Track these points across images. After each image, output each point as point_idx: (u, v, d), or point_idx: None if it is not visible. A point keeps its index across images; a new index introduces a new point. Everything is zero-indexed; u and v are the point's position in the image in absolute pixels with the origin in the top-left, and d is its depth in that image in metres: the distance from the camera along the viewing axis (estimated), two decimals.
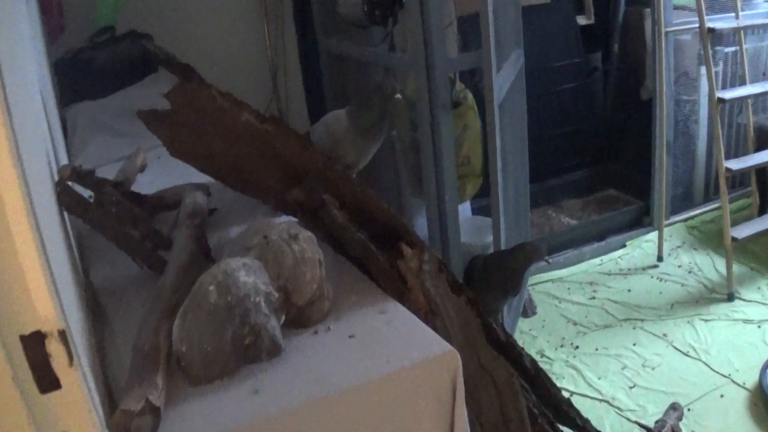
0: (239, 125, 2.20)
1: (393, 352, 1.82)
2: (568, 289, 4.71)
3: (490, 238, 3.82)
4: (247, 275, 1.84)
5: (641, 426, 3.39)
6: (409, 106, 4.26)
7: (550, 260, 2.81)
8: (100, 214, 2.29)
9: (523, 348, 2.65)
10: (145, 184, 2.89)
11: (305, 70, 5.43)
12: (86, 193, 2.46)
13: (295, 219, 2.40)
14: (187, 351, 1.78)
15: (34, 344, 1.18)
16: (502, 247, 3.61)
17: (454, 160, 3.90)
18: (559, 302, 4.56)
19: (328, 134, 2.72)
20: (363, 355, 1.82)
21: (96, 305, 2.27)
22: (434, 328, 2.04)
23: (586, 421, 2.80)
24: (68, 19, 4.67)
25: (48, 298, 1.19)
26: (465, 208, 4.71)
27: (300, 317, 1.96)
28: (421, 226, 4.41)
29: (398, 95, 2.66)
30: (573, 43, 5.73)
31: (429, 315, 2.08)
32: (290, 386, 1.73)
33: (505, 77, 3.82)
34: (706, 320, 4.21)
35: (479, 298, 2.52)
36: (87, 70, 4.28)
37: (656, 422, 3.33)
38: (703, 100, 5.14)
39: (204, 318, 1.78)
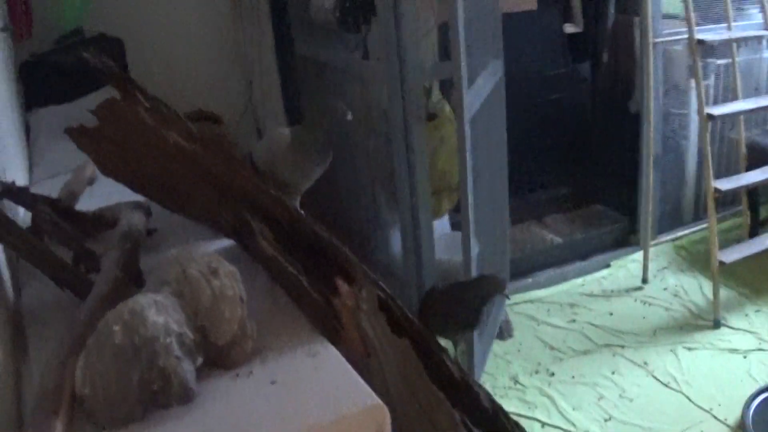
0: (168, 145, 2.04)
1: (316, 403, 1.66)
2: (548, 310, 4.53)
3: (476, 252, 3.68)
4: (158, 314, 1.68)
5: None
6: (383, 116, 4.12)
7: (509, 296, 2.64)
8: (17, 238, 2.12)
9: (481, 385, 2.48)
10: (101, 197, 2.72)
11: (283, 76, 5.27)
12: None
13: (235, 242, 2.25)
14: (90, 394, 1.62)
15: None
16: (472, 267, 3.47)
17: (429, 174, 3.76)
18: (537, 324, 4.38)
19: (268, 153, 2.56)
20: (282, 405, 1.66)
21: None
22: (369, 372, 1.88)
23: None
24: (36, 22, 4.54)
25: None
26: (443, 224, 4.55)
27: (220, 358, 1.80)
28: (396, 240, 4.28)
29: (349, 116, 2.49)
30: (560, 52, 5.56)
31: (365, 358, 1.91)
32: None
33: (481, 90, 3.66)
34: (689, 348, 4.03)
35: (435, 332, 2.37)
36: (53, 73, 4.14)
37: None
38: (694, 115, 4.95)
39: (108, 359, 1.62)
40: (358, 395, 1.68)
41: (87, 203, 2.71)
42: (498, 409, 2.43)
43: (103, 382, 1.61)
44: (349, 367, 1.78)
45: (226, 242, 2.37)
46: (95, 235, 2.58)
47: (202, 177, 2.10)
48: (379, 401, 1.66)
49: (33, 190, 3.31)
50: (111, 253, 2.19)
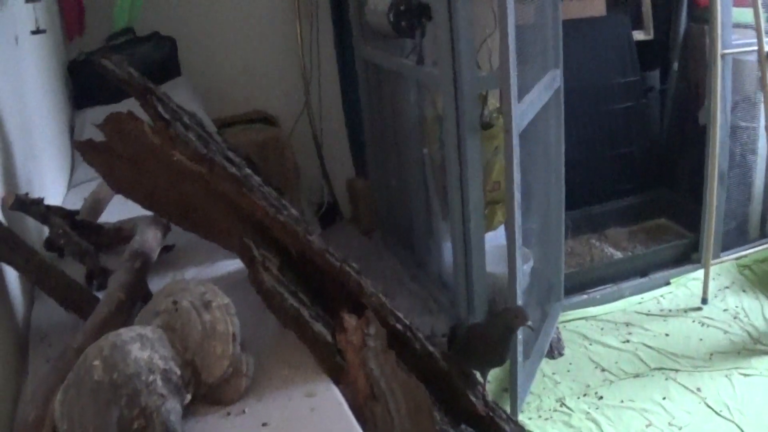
0: (174, 164, 1.94)
1: None
2: (602, 329, 4.36)
3: (522, 269, 3.58)
4: (142, 349, 1.58)
5: None
6: (438, 123, 4.03)
7: (533, 326, 2.53)
8: (18, 256, 2.03)
9: (510, 419, 2.36)
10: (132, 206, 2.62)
11: (343, 77, 5.19)
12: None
13: None
14: (68, 431, 1.53)
15: None
16: (517, 282, 3.35)
17: (482, 185, 3.65)
18: (590, 344, 4.22)
19: None
20: None
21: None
22: (374, 416, 1.76)
23: None
24: (89, 21, 4.52)
25: None
26: (498, 236, 4.42)
27: (212, 395, 1.70)
28: (449, 251, 4.19)
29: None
30: (628, 60, 5.36)
31: (370, 400, 1.79)
32: None
33: (535, 101, 3.53)
34: (746, 375, 3.84)
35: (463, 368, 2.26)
36: (100, 73, 4.10)
37: None
38: (763, 129, 4.75)
39: (86, 396, 1.52)
40: None
41: (119, 212, 2.62)
42: None
43: (80, 419, 1.52)
44: (348, 412, 1.67)
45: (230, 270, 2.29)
46: (114, 249, 2.50)
47: (213, 198, 2.00)
48: None
49: (72, 191, 3.27)
50: (118, 273, 2.10)
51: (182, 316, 1.68)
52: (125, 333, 1.61)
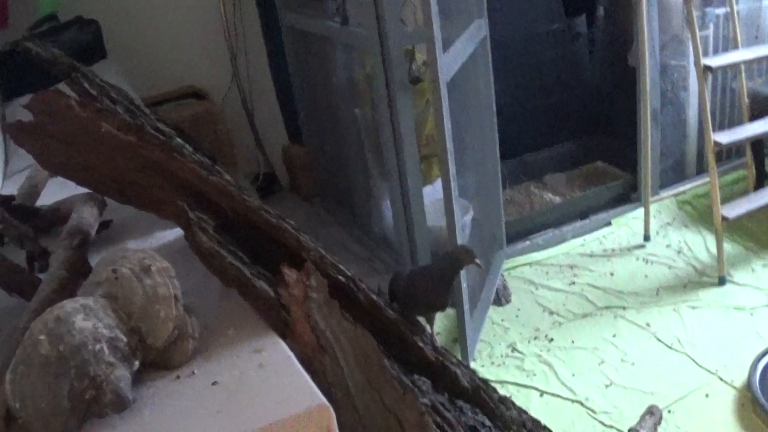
0: (105, 136, 1.94)
1: (257, 404, 1.56)
2: (547, 273, 4.41)
3: (462, 220, 3.61)
4: (86, 319, 1.58)
5: None
6: (368, 82, 4.04)
7: (481, 264, 2.54)
8: None
9: (460, 363, 2.38)
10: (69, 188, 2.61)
11: (269, 45, 5.17)
12: None
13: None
14: (21, 408, 1.53)
15: None
16: (456, 233, 3.38)
17: (416, 140, 3.67)
18: (536, 288, 4.26)
19: None
20: (221, 408, 1.56)
21: None
22: (323, 367, 1.78)
23: None
24: (12, 12, 4.47)
25: None
26: (436, 189, 4.45)
27: (160, 360, 1.71)
28: (388, 208, 4.22)
29: None
30: (553, 7, 5.39)
31: (318, 351, 1.81)
32: None
33: (460, 52, 3.55)
34: (693, 307, 3.90)
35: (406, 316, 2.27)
36: (27, 61, 4.07)
37: (629, 430, 3.02)
38: (693, 66, 4.80)
39: (35, 372, 1.53)
40: (302, 395, 1.58)
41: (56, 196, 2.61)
42: (478, 388, 2.34)
43: (32, 395, 1.52)
44: (296, 363, 1.69)
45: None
46: (53, 231, 2.50)
47: (145, 167, 2.00)
48: (324, 401, 1.56)
49: (8, 182, 3.25)
50: (58, 252, 2.10)
51: (123, 283, 1.68)
52: (68, 305, 1.61)
